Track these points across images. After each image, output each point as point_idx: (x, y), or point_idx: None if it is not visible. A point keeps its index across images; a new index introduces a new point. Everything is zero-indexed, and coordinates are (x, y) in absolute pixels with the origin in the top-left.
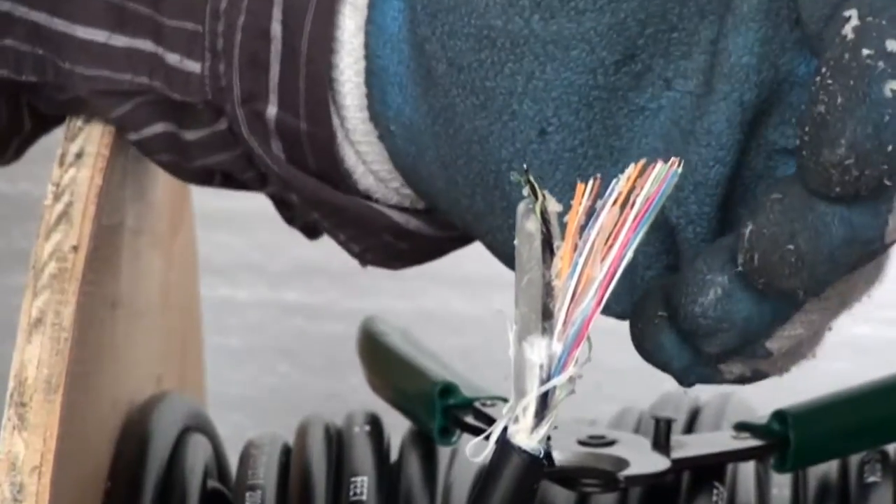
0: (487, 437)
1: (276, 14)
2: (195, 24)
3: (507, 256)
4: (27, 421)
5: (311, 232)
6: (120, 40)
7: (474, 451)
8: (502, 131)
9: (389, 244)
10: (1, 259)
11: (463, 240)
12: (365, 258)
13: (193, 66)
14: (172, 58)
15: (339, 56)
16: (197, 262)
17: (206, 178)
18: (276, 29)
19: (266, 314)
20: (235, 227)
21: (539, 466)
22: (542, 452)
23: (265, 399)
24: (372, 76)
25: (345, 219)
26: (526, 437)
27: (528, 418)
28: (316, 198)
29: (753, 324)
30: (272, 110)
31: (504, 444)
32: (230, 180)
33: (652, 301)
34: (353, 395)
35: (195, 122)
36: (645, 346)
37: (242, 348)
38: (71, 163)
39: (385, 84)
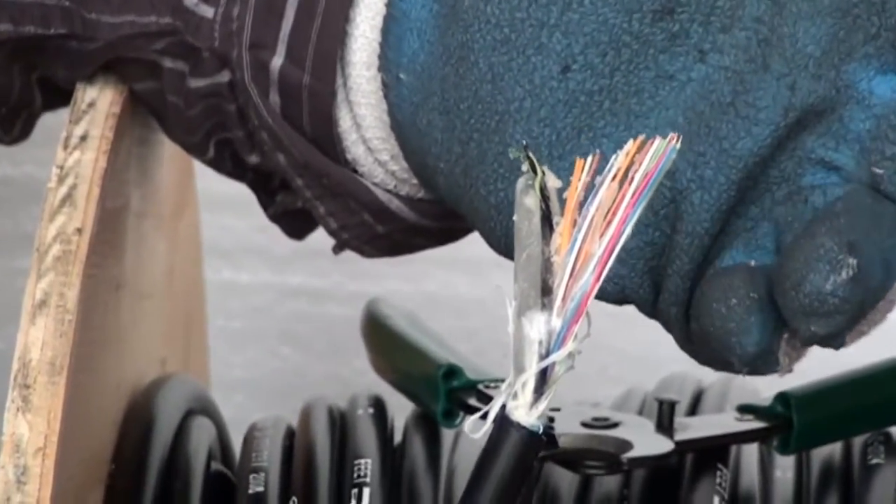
0: (486, 415)
1: None
2: None
3: (487, 217)
4: (31, 403)
5: (291, 226)
6: None
7: (473, 428)
8: (523, 66)
9: (367, 225)
10: (6, 241)
11: (439, 237)
12: (341, 237)
13: (207, 11)
14: (190, 1)
15: (358, 9)
16: (201, 245)
17: (199, 137)
18: None
19: (269, 297)
20: (239, 209)
21: (537, 442)
22: (541, 428)
23: (268, 381)
24: (391, 22)
25: (327, 188)
26: (525, 414)
27: (527, 394)
28: (303, 159)
29: (863, 310)
30: (277, 61)
31: (502, 420)
32: (219, 150)
33: (741, 281)
34: (356, 378)
35: (200, 69)
36: (728, 326)
37: (246, 331)
38: (75, 145)
39: (403, 30)
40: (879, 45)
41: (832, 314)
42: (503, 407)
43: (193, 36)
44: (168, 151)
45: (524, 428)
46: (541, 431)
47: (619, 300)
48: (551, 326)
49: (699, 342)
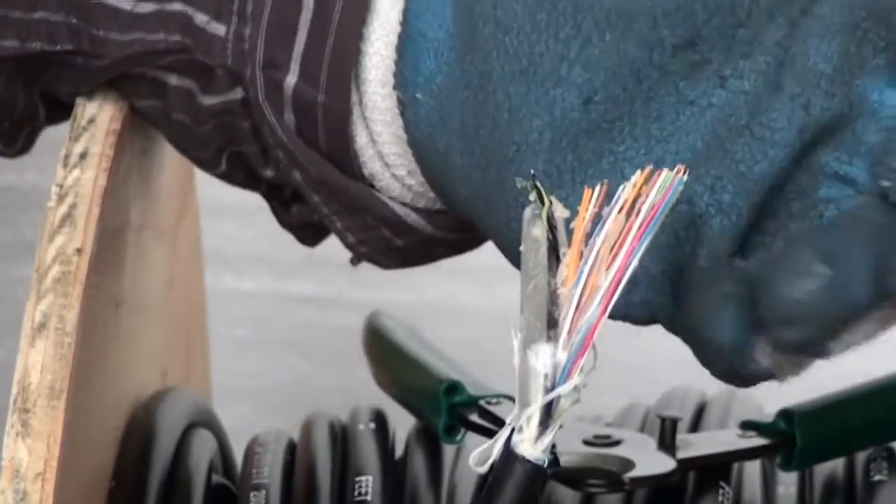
0: (491, 447)
1: None
2: None
3: (508, 240)
4: (30, 427)
5: (304, 234)
6: (146, 7)
7: (478, 460)
8: (542, 98)
9: (385, 238)
10: (8, 250)
11: (456, 247)
12: (359, 250)
13: (219, 29)
14: (201, 18)
15: (372, 27)
16: (201, 251)
17: (211, 153)
18: None
19: (273, 305)
20: (242, 218)
21: (543, 476)
22: (546, 462)
23: (272, 391)
24: (407, 41)
25: (345, 204)
26: (530, 447)
27: (533, 427)
28: (319, 176)
29: (842, 321)
30: (291, 79)
31: (508, 453)
32: (232, 164)
33: (724, 276)
34: (360, 387)
35: (212, 87)
36: (707, 317)
37: (249, 340)
38: (75, 163)
39: (420, 50)
40: (889, 58)
41: (802, 322)
42: (508, 440)
43: (205, 54)
44: (169, 159)
45: (529, 462)
46: (546, 465)
47: (649, 322)
48: (557, 359)
49: (704, 350)
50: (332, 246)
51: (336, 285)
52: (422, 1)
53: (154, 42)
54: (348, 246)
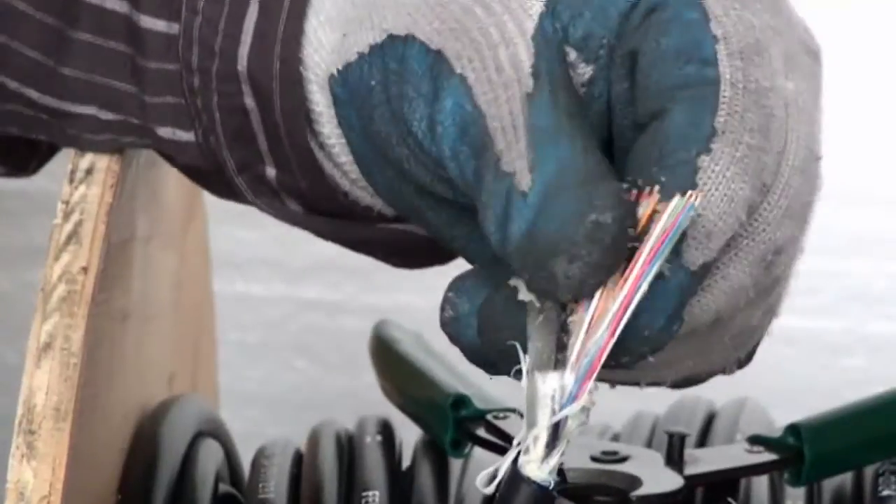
0: (499, 466)
1: (247, 90)
2: (175, 97)
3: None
4: (36, 450)
5: None
6: (108, 115)
7: (485, 481)
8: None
9: (429, 251)
10: (19, 254)
11: None
12: (410, 266)
13: (187, 136)
14: (164, 131)
15: (321, 124)
16: (209, 256)
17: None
18: (251, 103)
19: (283, 310)
20: (252, 222)
21: (549, 497)
22: (552, 483)
23: (281, 395)
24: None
25: (378, 245)
26: (536, 468)
27: (539, 449)
28: (341, 236)
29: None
30: (271, 172)
31: (514, 474)
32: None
33: None
34: (369, 391)
35: (203, 174)
36: None
37: (259, 344)
38: (81, 179)
39: (371, 160)
40: None
41: None
42: (515, 460)
43: (183, 158)
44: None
45: (535, 483)
46: (552, 486)
47: None
48: (564, 382)
49: None
50: (343, 251)
51: (346, 289)
52: (344, 113)
53: (127, 143)
54: (398, 267)
